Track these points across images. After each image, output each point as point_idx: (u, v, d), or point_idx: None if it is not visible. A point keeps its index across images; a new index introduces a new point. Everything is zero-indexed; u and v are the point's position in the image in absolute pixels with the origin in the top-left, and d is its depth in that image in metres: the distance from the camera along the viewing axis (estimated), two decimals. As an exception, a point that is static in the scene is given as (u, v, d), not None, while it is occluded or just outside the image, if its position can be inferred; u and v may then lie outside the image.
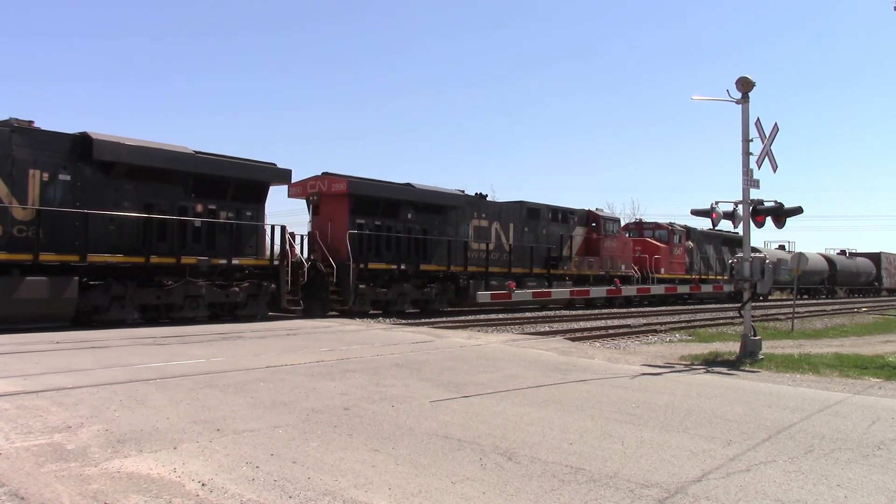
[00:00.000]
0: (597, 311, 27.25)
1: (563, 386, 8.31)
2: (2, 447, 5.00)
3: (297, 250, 19.72)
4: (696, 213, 13.43)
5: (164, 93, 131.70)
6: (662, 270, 33.87)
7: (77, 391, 7.10)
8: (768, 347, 13.09)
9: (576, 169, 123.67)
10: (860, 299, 52.46)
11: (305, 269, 19.00)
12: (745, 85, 11.60)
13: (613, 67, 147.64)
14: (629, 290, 21.33)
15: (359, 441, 5.38)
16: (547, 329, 18.93)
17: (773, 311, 30.11)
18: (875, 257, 60.25)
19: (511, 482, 4.44)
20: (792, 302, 23.78)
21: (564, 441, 5.52)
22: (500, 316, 22.90)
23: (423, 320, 19.70)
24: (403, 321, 19.36)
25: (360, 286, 20.14)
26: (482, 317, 22.26)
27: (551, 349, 12.23)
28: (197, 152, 16.98)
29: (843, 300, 50.06)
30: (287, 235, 18.69)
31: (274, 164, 18.71)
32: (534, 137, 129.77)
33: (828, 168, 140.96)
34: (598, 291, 24.13)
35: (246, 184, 17.85)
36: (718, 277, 38.55)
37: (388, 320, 19.49)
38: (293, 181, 21.01)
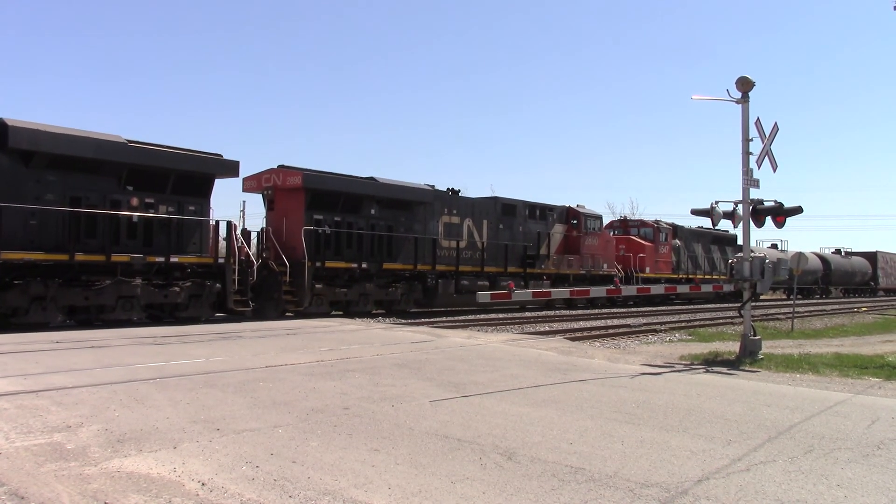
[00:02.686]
0: (597, 311, 27.23)
1: (563, 386, 8.31)
2: (2, 447, 5.00)
3: (248, 248, 18.73)
4: (695, 212, 13.45)
5: (162, 91, 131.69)
6: (647, 270, 33.18)
7: (77, 391, 7.10)
8: (768, 347, 13.09)
9: (575, 169, 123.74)
10: (856, 299, 52.05)
11: (255, 268, 18.01)
12: (744, 85, 11.60)
13: (613, 67, 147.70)
14: (629, 290, 21.13)
15: (358, 441, 5.38)
16: (547, 329, 18.93)
17: (773, 310, 30.11)
18: (871, 256, 59.71)
19: (511, 482, 4.44)
20: (791, 302, 23.75)
21: (564, 441, 5.52)
22: (500, 316, 22.88)
23: (423, 320, 19.69)
24: (403, 321, 19.36)
25: (317, 286, 19.17)
26: (482, 316, 22.24)
27: (551, 349, 12.23)
28: (130, 141, 15.85)
29: (840, 300, 49.81)
30: (234, 232, 17.60)
31: (220, 155, 17.57)
32: (533, 137, 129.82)
33: (825, 168, 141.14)
34: (598, 291, 23.92)
35: (188, 176, 16.69)
36: (707, 277, 38.04)
37: (388, 320, 19.49)
38: (249, 175, 20.38)
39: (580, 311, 26.61)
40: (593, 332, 18.03)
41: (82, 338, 12.19)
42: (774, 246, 45.67)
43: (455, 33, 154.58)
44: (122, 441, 5.20)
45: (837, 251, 56.37)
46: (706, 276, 38.22)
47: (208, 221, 17.34)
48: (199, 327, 14.89)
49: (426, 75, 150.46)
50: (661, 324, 21.71)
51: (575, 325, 20.64)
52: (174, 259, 16.09)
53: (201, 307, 16.68)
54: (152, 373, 8.35)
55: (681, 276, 35.95)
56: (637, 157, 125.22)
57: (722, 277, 38.99)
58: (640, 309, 30.04)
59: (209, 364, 9.26)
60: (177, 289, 16.11)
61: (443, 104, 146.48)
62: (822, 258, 51.24)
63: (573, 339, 15.49)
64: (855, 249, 59.26)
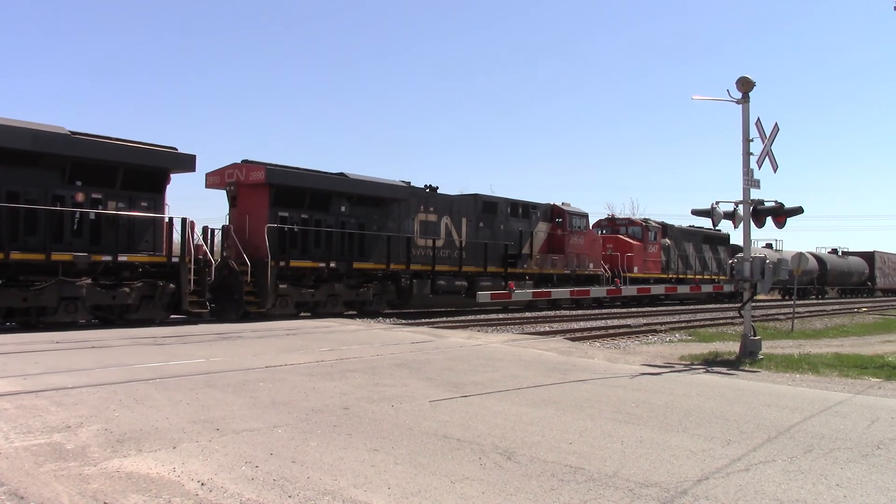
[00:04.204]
0: (597, 311, 27.20)
1: (563, 386, 8.31)
2: (1, 447, 5.00)
3: (210, 246, 17.99)
4: (696, 212, 13.44)
5: (157, 92, 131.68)
6: (636, 269, 32.34)
7: (76, 391, 7.10)
8: (768, 347, 13.09)
9: (575, 169, 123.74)
10: (853, 300, 51.59)
11: (213, 268, 16.97)
12: (745, 85, 11.60)
13: (613, 67, 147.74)
14: (629, 291, 21.08)
15: (358, 441, 5.38)
16: (547, 329, 18.94)
17: (773, 311, 30.10)
18: (868, 256, 59.02)
19: (510, 482, 4.44)
20: (791, 303, 23.74)
21: (564, 441, 5.52)
22: (500, 316, 22.87)
23: (423, 320, 19.69)
24: (403, 321, 19.35)
25: (281, 286, 18.24)
26: (482, 317, 22.24)
27: (551, 349, 12.23)
28: (74, 133, 14.87)
29: (838, 301, 49.57)
30: (192, 229, 16.54)
31: (174, 149, 16.50)
32: (533, 137, 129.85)
33: (822, 168, 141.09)
34: (598, 291, 23.85)
35: (139, 170, 15.73)
36: (699, 277, 37.51)
37: (388, 320, 19.47)
38: (212, 170, 19.58)
39: (580, 312, 26.58)
40: (593, 333, 18.04)
41: (82, 338, 12.19)
42: (770, 245, 44.77)
43: (454, 33, 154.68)
44: (122, 441, 5.20)
45: (834, 251, 55.66)
46: (697, 276, 37.56)
47: (162, 218, 16.26)
48: (199, 327, 14.89)
49: (426, 76, 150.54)
50: (661, 324, 21.71)
51: (575, 325, 20.65)
52: (123, 258, 15.15)
53: (154, 309, 15.73)
54: (152, 373, 8.35)
55: (671, 276, 35.25)
56: (637, 158, 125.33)
57: (714, 277, 38.68)
58: (640, 309, 30.00)
59: (209, 364, 9.26)
60: (126, 290, 15.17)
61: (442, 104, 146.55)
62: (818, 258, 50.51)
63: (573, 340, 15.49)
64: (852, 249, 58.72)
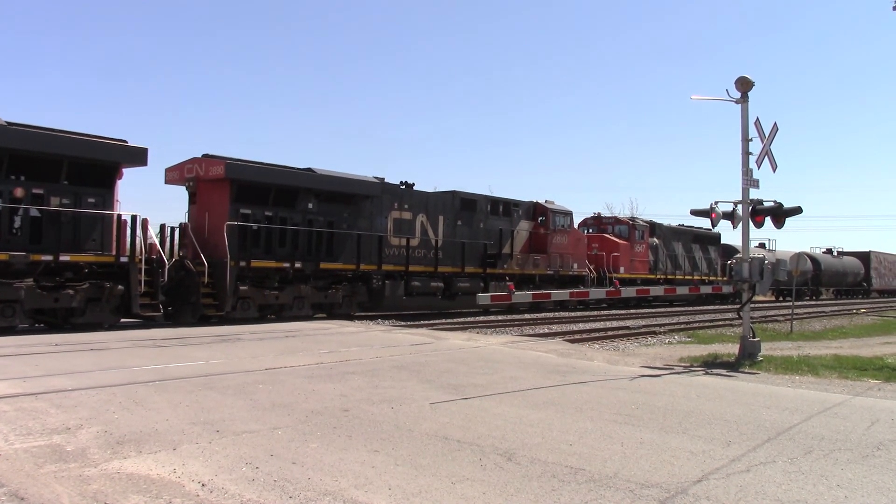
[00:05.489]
0: (596, 313, 27.20)
1: (563, 387, 8.31)
2: (1, 448, 5.00)
3: (167, 245, 17.13)
4: (695, 212, 13.44)
5: (161, 91, 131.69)
6: (622, 269, 31.42)
7: (76, 393, 7.10)
8: (767, 349, 13.10)
9: (575, 169, 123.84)
10: (849, 301, 51.14)
11: (166, 268, 15.86)
12: (744, 85, 11.62)
13: (613, 67, 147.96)
14: (629, 292, 21.06)
15: (358, 442, 5.38)
16: (546, 331, 18.94)
17: (772, 312, 30.14)
18: (864, 256, 58.57)
19: (511, 483, 4.44)
20: (790, 304, 23.77)
21: (564, 442, 5.53)
22: (500, 318, 22.86)
23: (422, 322, 19.69)
24: (403, 323, 19.36)
25: (242, 288, 17.22)
26: (481, 318, 22.23)
27: (551, 351, 12.24)
28: (10, 124, 13.88)
29: (837, 301, 49.40)
30: (141, 227, 15.53)
31: (125, 141, 15.51)
32: (533, 137, 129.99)
33: (818, 168, 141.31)
34: (597, 292, 23.78)
35: (86, 164, 14.66)
36: (688, 277, 36.91)
37: (387, 322, 19.47)
38: (171, 165, 18.49)
39: (580, 314, 26.57)
40: (592, 335, 18.04)
41: (81, 340, 12.19)
42: (763, 245, 44.01)
43: (454, 33, 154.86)
44: (122, 443, 5.20)
45: (828, 251, 54.95)
46: (687, 276, 36.89)
47: (111, 215, 15.13)
48: (198, 329, 14.87)
49: (425, 76, 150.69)
50: (660, 326, 21.72)
51: (574, 326, 20.65)
52: (65, 258, 14.05)
53: (102, 312, 14.69)
54: (152, 375, 8.35)
55: (658, 277, 34.32)
56: (636, 158, 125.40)
57: (704, 277, 38.22)
58: (640, 311, 30.01)
59: (208, 366, 9.26)
60: (70, 292, 14.10)
61: (441, 105, 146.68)
62: (812, 258, 49.44)
63: (572, 342, 15.50)
64: (847, 250, 57.99)
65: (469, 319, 21.43)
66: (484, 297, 17.65)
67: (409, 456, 5.02)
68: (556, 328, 19.95)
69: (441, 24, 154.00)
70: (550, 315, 24.99)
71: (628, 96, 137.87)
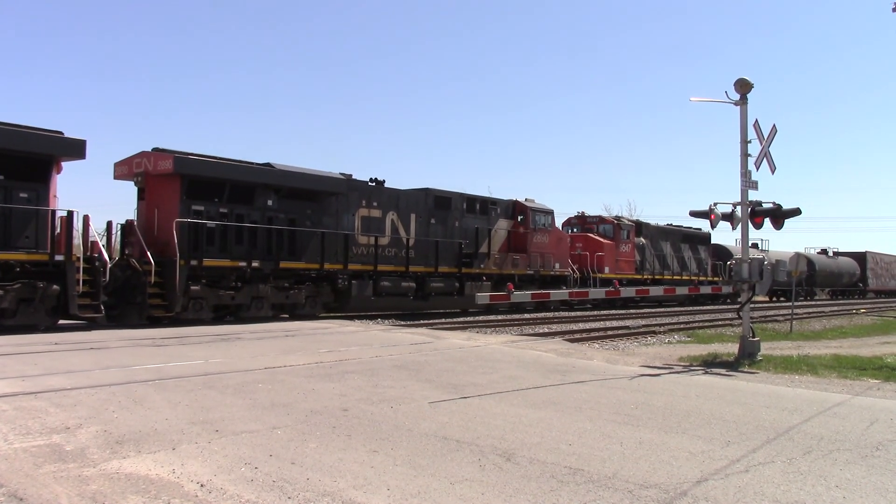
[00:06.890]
0: (596, 313, 27.19)
1: (562, 387, 8.31)
2: (0, 448, 4.99)
3: (108, 243, 16.48)
4: (694, 214, 13.43)
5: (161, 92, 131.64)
6: (606, 270, 30.80)
7: (75, 392, 7.09)
8: (767, 349, 13.10)
9: (575, 169, 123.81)
10: (846, 301, 50.87)
11: (108, 267, 14.97)
12: (743, 87, 11.62)
13: (612, 67, 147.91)
14: (629, 292, 21.01)
15: (357, 442, 5.38)
16: (546, 330, 18.94)
17: (772, 312, 30.15)
18: (860, 257, 58.31)
19: (510, 483, 4.44)
20: (790, 304, 23.76)
21: (563, 442, 5.52)
22: (500, 317, 22.86)
23: (422, 322, 19.68)
24: (402, 322, 19.36)
25: (194, 288, 16.52)
26: (481, 318, 22.23)
27: (550, 350, 12.24)
28: None
29: (835, 302, 49.16)
30: (82, 224, 14.82)
31: (60, 133, 14.61)
32: (532, 137, 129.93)
33: (815, 169, 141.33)
34: (597, 293, 23.70)
35: (16, 157, 13.80)
36: (676, 277, 36.53)
37: (387, 322, 19.47)
38: (122, 159, 17.77)
39: (580, 313, 26.58)
40: (592, 334, 18.05)
41: (80, 339, 12.19)
42: (755, 246, 43.32)
43: (453, 34, 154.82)
44: (121, 442, 5.20)
45: (823, 251, 54.64)
46: (675, 277, 36.50)
47: (46, 211, 14.24)
48: (198, 329, 14.87)
49: (425, 76, 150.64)
50: (659, 325, 21.73)
51: (574, 326, 20.66)
52: None
53: (36, 313, 13.84)
54: (151, 374, 8.35)
55: (645, 277, 33.90)
56: (636, 159, 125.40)
57: (693, 277, 37.73)
58: (640, 310, 29.98)
59: (208, 366, 9.25)
60: (0, 292, 13.32)
61: (441, 105, 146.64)
62: (806, 259, 48.51)
63: (572, 341, 15.50)
64: (843, 250, 57.69)
65: (469, 319, 21.42)
66: (483, 297, 17.60)
67: (408, 456, 5.02)
68: (555, 328, 19.96)
69: (439, 24, 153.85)
70: (550, 315, 25.00)
71: (628, 96, 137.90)
